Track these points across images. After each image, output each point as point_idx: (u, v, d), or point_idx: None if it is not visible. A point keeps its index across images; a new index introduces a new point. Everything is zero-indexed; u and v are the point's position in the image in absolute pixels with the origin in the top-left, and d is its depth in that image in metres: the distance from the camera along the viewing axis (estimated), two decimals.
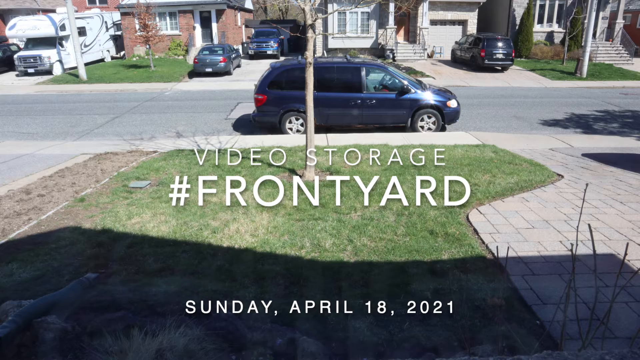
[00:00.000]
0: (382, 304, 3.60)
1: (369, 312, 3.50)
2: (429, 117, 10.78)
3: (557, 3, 27.77)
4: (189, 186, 6.79)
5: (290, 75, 10.58)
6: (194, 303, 3.45)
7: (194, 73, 22.90)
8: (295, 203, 5.99)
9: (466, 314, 3.47)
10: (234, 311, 3.30)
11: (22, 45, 26.22)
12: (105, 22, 29.29)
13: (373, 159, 8.13)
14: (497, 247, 4.60)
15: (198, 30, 29.35)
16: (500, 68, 23.38)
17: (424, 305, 3.61)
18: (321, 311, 3.50)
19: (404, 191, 6.36)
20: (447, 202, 5.88)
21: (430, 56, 27.74)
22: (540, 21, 28.08)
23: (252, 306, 3.54)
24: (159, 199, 6.25)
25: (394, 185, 6.64)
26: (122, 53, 30.62)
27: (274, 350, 2.65)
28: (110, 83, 21.03)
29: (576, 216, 5.39)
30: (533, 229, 5.13)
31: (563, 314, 1.98)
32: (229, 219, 5.45)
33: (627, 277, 3.88)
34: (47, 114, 14.43)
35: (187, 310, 3.17)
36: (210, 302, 3.57)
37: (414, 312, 3.52)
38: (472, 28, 28.08)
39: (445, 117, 10.75)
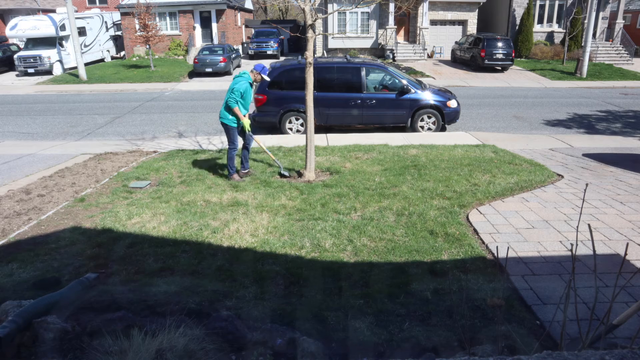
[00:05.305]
0: (382, 304, 3.61)
1: (369, 312, 3.50)
2: (429, 117, 10.79)
3: (557, 3, 27.78)
4: (188, 188, 6.82)
5: (290, 75, 10.58)
6: (194, 303, 3.45)
7: (194, 73, 22.92)
8: (295, 203, 6.00)
9: (466, 314, 3.47)
10: (234, 311, 3.30)
11: (22, 45, 26.24)
12: (105, 22, 29.30)
13: (373, 158, 8.13)
14: (497, 247, 4.60)
15: (198, 30, 29.36)
16: (500, 68, 23.39)
17: (424, 305, 3.62)
18: (321, 311, 3.50)
19: (404, 191, 6.38)
20: (447, 202, 5.90)
21: (430, 56, 27.75)
22: (540, 21, 28.10)
23: (252, 306, 3.54)
24: (159, 199, 6.25)
25: (394, 185, 6.65)
26: (122, 53, 30.63)
27: (274, 350, 2.65)
28: (111, 83, 21.04)
29: (576, 216, 5.39)
30: (533, 229, 5.13)
31: (563, 314, 1.98)
32: (229, 219, 5.45)
33: (627, 277, 3.88)
34: (47, 114, 14.44)
35: (187, 310, 3.17)
36: (210, 302, 3.57)
37: (414, 312, 3.52)
38: (472, 28, 28.09)
39: (445, 117, 10.75)
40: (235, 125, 6.95)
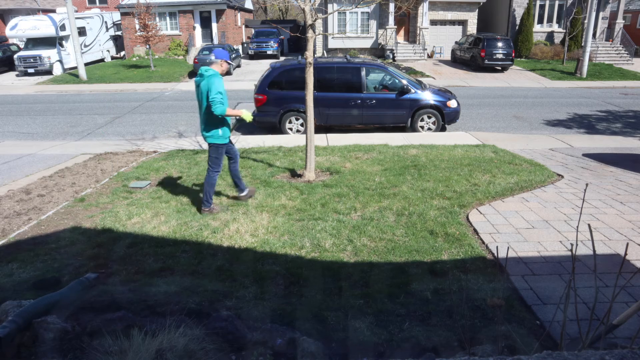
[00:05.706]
0: (382, 304, 3.61)
1: (369, 312, 3.50)
2: (429, 117, 10.78)
3: (557, 3, 27.78)
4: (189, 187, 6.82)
5: (290, 75, 10.58)
6: (194, 303, 3.45)
7: (194, 73, 22.91)
8: (295, 203, 6.00)
9: (466, 314, 3.47)
10: (234, 311, 3.30)
11: (22, 45, 26.24)
12: (105, 22, 29.31)
13: (373, 158, 8.13)
14: (497, 247, 4.60)
15: (198, 30, 29.36)
16: (500, 68, 23.38)
17: (424, 305, 3.61)
18: (321, 311, 3.50)
19: (404, 191, 6.38)
20: (447, 202, 5.90)
21: (430, 56, 27.75)
22: (540, 21, 28.10)
23: (252, 306, 3.54)
24: (159, 199, 6.25)
25: (394, 185, 6.65)
26: (122, 53, 30.64)
27: (274, 350, 2.65)
28: (110, 83, 21.04)
29: (576, 216, 5.39)
30: (533, 229, 5.12)
31: (563, 314, 1.98)
32: (229, 219, 5.45)
33: (627, 277, 3.88)
34: (47, 114, 14.44)
35: (187, 310, 3.17)
36: (210, 302, 3.57)
37: (414, 312, 3.52)
38: (472, 28, 28.09)
39: (445, 117, 10.75)
40: (226, 141, 5.60)
